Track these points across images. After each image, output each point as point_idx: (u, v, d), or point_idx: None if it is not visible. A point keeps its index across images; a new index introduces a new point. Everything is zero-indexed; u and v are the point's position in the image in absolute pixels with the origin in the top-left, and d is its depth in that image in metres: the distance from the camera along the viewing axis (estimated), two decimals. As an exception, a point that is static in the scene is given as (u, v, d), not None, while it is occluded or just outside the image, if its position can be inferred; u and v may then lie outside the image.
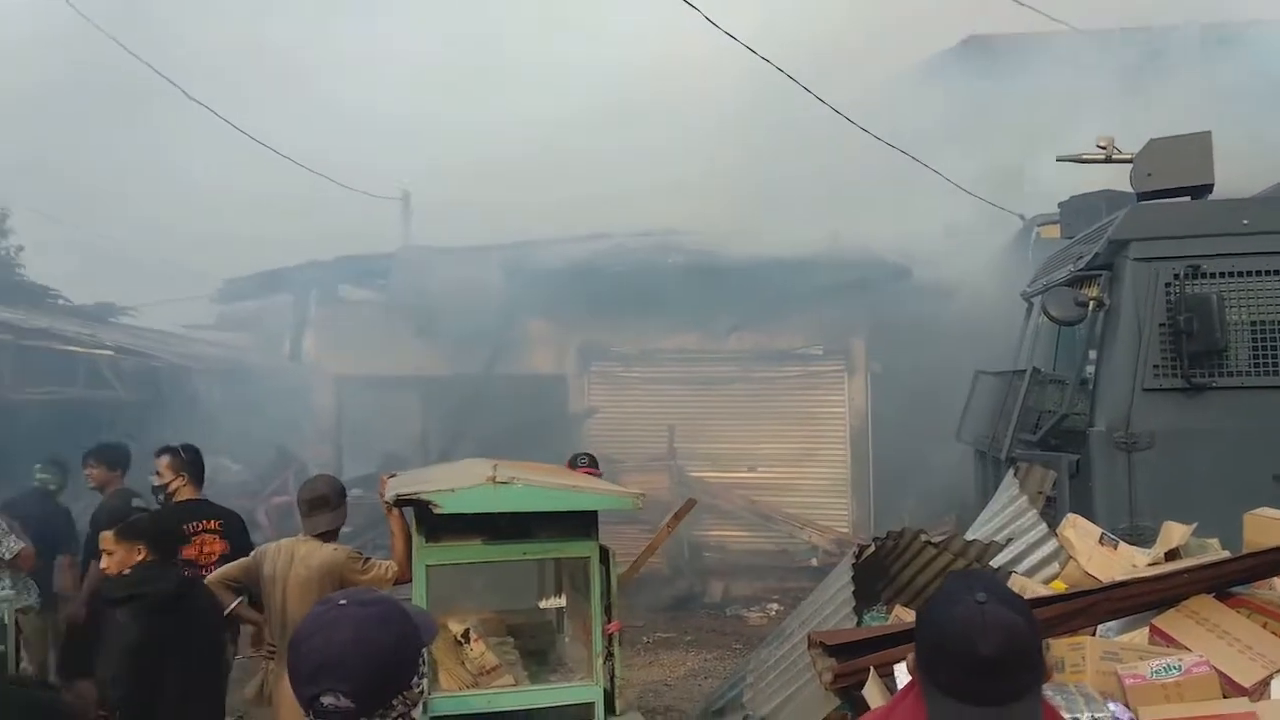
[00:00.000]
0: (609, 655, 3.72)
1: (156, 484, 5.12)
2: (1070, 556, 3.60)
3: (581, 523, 3.69)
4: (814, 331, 12.61)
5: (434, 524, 3.55)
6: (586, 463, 6.06)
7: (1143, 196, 5.50)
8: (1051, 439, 5.25)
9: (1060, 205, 7.71)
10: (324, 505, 4.25)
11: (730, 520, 12.36)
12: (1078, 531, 3.67)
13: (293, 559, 4.06)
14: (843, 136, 11.41)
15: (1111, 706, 2.44)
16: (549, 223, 14.67)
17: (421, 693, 1.72)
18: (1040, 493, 4.87)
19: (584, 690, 3.65)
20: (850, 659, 2.81)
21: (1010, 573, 3.70)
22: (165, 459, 5.12)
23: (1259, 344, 4.79)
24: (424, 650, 1.76)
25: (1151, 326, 4.83)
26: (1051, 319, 5.26)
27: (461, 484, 3.51)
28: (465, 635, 3.76)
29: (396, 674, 1.66)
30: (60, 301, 15.72)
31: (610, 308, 12.61)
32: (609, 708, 3.66)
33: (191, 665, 3.56)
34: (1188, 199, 5.38)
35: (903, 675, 2.63)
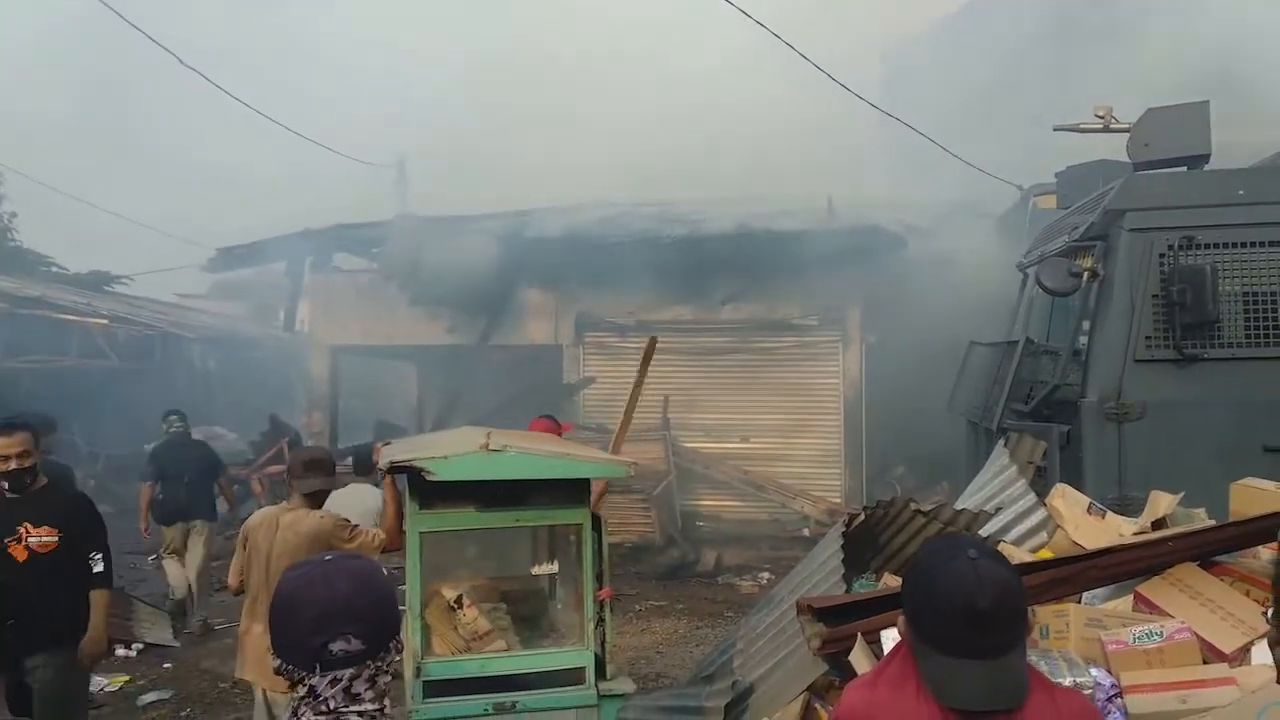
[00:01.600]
0: (600, 621, 3.75)
1: (18, 467, 4.07)
2: (1058, 525, 3.62)
3: (574, 490, 3.71)
4: (809, 302, 12.59)
5: (427, 491, 3.56)
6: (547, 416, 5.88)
7: (1139, 166, 5.47)
8: (1043, 409, 5.26)
9: (1057, 175, 7.68)
10: (320, 468, 4.33)
11: (723, 490, 12.43)
12: (1066, 501, 3.70)
13: (278, 526, 4.13)
14: (840, 105, 11.34)
15: (1094, 671, 2.47)
16: (544, 192, 14.63)
17: (401, 644, 1.78)
18: (1030, 463, 4.89)
19: (575, 655, 3.68)
20: (838, 624, 2.83)
21: (999, 541, 3.72)
22: (24, 435, 4.12)
23: (1252, 315, 4.78)
24: None
25: (1145, 297, 4.82)
26: (1045, 289, 5.24)
27: (455, 452, 3.52)
28: (458, 601, 3.78)
29: (393, 617, 1.72)
30: (54, 269, 15.65)
31: (605, 278, 12.58)
32: (600, 672, 3.70)
33: None
34: (1184, 169, 5.36)
35: (889, 641, 2.66)
